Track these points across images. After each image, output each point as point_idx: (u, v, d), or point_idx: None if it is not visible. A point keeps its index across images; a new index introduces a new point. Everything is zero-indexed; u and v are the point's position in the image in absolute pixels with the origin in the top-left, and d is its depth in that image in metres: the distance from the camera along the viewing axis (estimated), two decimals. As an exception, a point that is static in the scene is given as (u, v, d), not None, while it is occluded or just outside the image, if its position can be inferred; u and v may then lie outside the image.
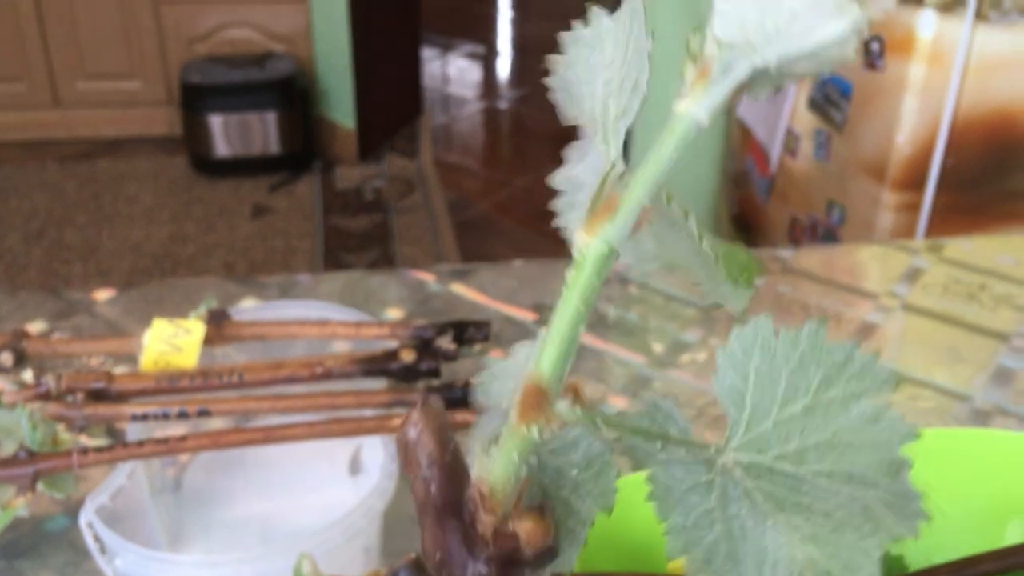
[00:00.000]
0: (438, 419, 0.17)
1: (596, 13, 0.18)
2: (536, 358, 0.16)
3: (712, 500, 0.18)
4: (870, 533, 0.17)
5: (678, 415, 0.18)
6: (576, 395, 0.17)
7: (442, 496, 0.17)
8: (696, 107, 0.15)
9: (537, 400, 0.16)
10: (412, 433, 0.17)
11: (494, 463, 0.17)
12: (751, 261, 0.19)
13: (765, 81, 0.15)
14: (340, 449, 0.49)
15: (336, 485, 0.49)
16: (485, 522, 0.17)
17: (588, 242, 0.16)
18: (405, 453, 0.17)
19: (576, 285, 0.16)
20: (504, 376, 0.20)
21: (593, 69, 0.18)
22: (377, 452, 0.46)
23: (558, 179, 0.19)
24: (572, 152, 0.19)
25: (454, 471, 0.17)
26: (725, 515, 0.17)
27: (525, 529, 0.17)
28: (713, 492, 0.18)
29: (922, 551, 0.32)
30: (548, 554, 0.18)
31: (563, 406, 0.16)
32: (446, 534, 0.17)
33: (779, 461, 0.17)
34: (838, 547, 0.16)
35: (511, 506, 0.17)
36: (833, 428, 0.17)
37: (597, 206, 0.16)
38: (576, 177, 0.19)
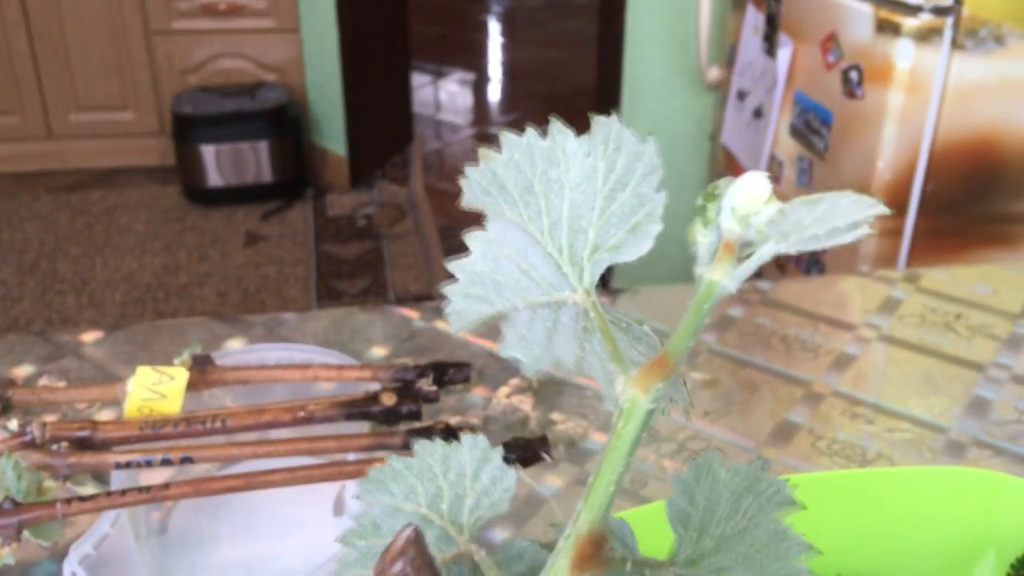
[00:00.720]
0: (424, 552, 0.17)
1: (559, 130, 0.18)
2: (583, 504, 0.17)
3: None
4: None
5: (629, 533, 0.19)
6: (606, 542, 0.18)
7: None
8: (726, 280, 0.17)
9: (593, 550, 0.17)
10: (399, 568, 0.17)
11: None
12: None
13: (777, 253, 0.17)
14: (324, 490, 0.50)
15: (320, 526, 0.50)
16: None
17: (639, 399, 0.17)
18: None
19: (624, 437, 0.17)
20: (406, 475, 0.20)
21: (552, 185, 0.18)
22: (360, 493, 0.47)
23: (455, 266, 0.19)
24: (473, 241, 0.19)
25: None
26: None
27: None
28: None
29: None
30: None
31: (608, 551, 0.17)
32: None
33: (711, 574, 0.19)
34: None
35: None
36: (751, 542, 0.19)
37: (633, 363, 0.17)
38: (480, 272, 0.19)
